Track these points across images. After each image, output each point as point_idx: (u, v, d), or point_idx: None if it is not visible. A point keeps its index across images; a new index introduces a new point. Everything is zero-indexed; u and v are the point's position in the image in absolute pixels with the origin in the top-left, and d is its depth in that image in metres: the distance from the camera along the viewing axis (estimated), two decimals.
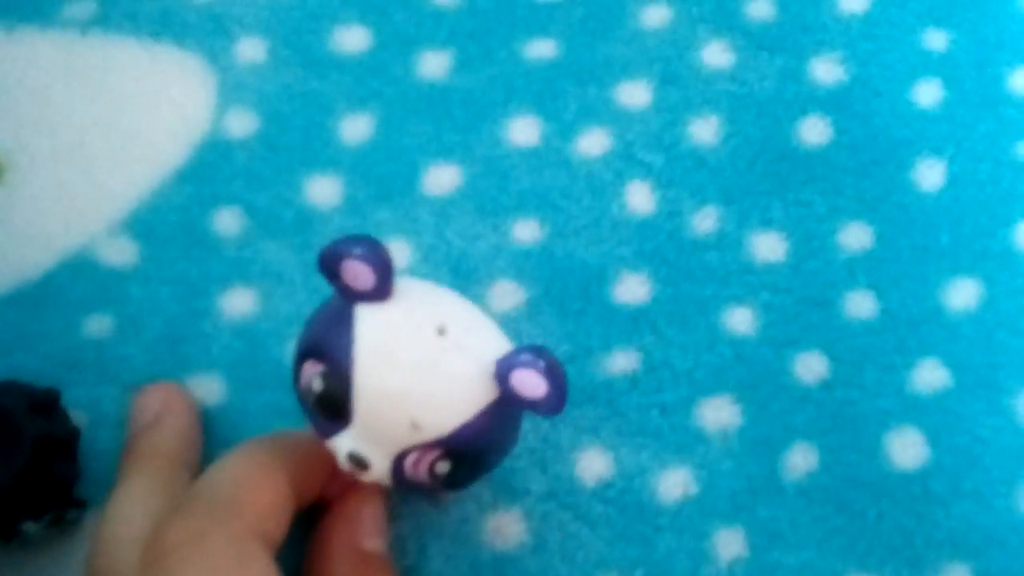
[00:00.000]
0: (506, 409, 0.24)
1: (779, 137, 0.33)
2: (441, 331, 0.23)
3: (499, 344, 0.24)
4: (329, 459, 0.25)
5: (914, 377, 0.30)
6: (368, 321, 0.23)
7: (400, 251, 0.31)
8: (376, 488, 0.26)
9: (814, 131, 0.33)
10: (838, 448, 0.29)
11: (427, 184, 0.32)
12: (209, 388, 0.30)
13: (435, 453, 0.24)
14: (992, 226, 0.32)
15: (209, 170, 0.33)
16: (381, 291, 0.23)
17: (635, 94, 0.34)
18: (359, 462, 0.24)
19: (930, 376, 0.30)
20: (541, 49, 0.34)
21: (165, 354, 0.30)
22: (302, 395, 0.24)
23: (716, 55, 0.34)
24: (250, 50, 0.34)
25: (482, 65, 0.34)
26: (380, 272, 0.23)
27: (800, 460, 0.29)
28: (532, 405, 0.23)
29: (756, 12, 0.35)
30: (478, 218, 0.32)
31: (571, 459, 0.29)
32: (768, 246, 0.32)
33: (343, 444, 0.24)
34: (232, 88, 0.34)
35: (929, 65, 0.34)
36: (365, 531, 0.26)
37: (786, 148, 0.33)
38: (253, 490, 0.24)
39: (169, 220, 0.32)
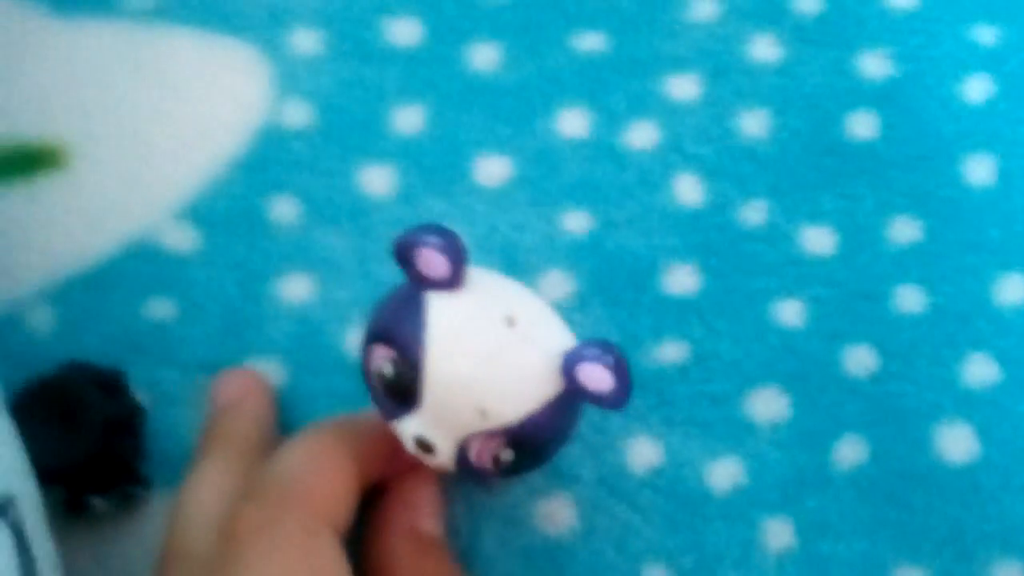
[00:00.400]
0: (570, 401, 0.25)
1: (828, 131, 0.33)
2: (510, 322, 0.24)
3: (564, 337, 0.24)
4: (390, 442, 0.25)
5: (964, 371, 0.30)
6: (440, 309, 0.24)
7: None
8: (432, 471, 0.27)
9: (862, 125, 0.33)
10: (887, 441, 0.29)
11: (479, 174, 0.33)
12: (268, 371, 0.30)
13: (499, 440, 0.24)
14: None
15: (266, 159, 0.33)
16: (454, 280, 0.24)
17: (684, 87, 0.34)
18: (425, 446, 0.24)
19: (980, 370, 0.30)
20: (590, 42, 0.34)
21: (225, 337, 0.31)
22: (370, 378, 0.25)
23: (764, 49, 0.34)
24: (305, 41, 0.35)
25: (532, 57, 0.34)
26: (454, 261, 0.23)
27: (849, 452, 0.29)
28: (597, 399, 0.24)
29: (804, 6, 0.35)
30: (529, 209, 0.32)
31: (621, 447, 0.29)
32: (817, 239, 0.32)
33: (410, 428, 0.24)
34: (288, 79, 0.34)
35: (978, 60, 0.34)
36: (422, 513, 0.27)
37: (835, 142, 0.33)
38: (321, 476, 0.24)
39: (228, 207, 0.32)
